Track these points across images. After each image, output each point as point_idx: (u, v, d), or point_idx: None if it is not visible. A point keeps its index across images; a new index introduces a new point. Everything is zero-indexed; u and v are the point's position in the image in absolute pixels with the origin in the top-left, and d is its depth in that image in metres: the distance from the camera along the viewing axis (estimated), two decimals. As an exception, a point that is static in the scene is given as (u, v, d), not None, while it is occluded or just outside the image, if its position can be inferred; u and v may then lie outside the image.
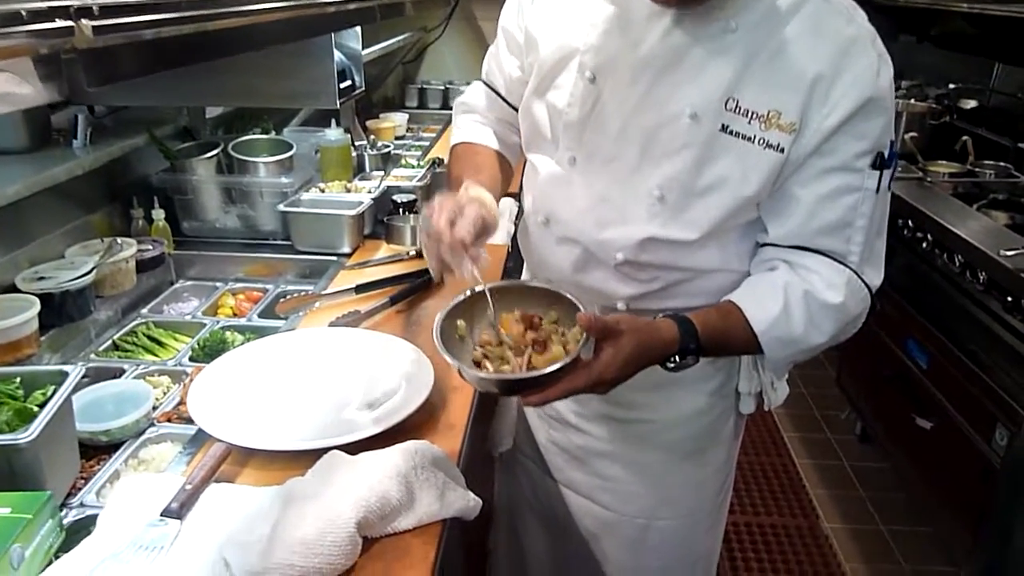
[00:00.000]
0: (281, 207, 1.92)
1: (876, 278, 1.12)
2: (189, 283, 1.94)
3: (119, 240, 1.66)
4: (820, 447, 3.14)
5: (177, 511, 0.94)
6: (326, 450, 1.05)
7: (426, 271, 1.70)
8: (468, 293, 1.07)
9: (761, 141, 1.04)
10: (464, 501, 1.00)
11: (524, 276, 1.48)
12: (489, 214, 1.07)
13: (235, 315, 1.82)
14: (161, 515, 0.94)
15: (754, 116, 1.03)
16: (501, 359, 1.01)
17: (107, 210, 1.91)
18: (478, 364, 1.01)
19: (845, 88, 1.01)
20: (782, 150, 1.03)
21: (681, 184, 1.08)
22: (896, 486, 2.85)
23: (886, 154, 1.05)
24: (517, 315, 1.06)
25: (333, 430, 1.12)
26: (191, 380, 1.36)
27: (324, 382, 1.27)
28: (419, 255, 1.88)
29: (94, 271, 1.58)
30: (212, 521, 0.94)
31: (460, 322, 1.06)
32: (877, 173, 1.05)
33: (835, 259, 1.08)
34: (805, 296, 1.07)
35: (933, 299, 2.40)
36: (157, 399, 1.40)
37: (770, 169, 1.04)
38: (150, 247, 1.84)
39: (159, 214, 1.92)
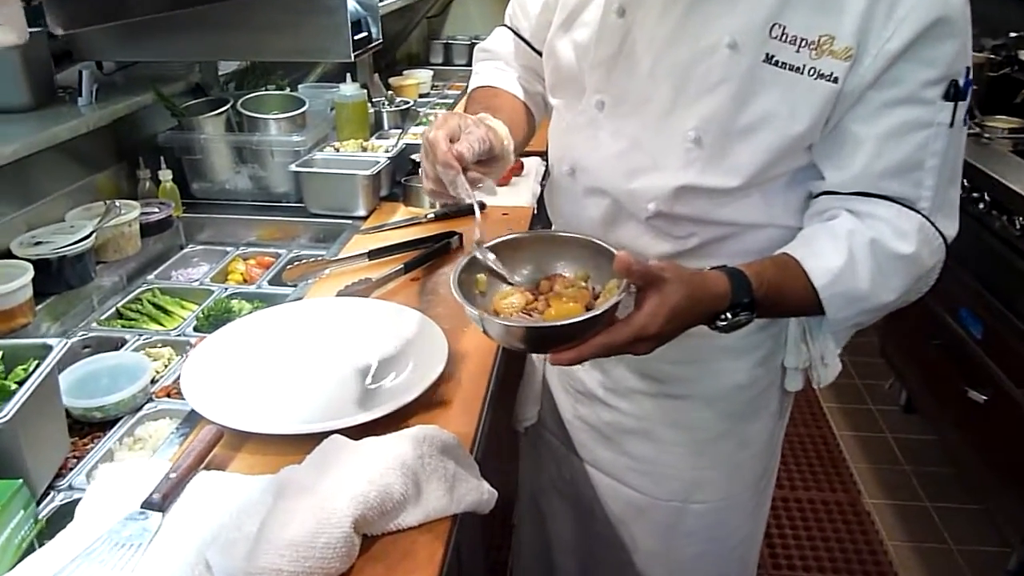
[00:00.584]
0: (292, 167, 1.82)
1: (951, 228, 0.99)
2: (199, 247, 1.86)
3: (118, 203, 1.56)
4: (862, 418, 3.00)
5: (159, 503, 0.85)
6: (327, 434, 0.96)
7: (444, 236, 1.60)
8: (493, 243, 0.97)
9: (811, 71, 0.91)
10: (477, 494, 0.90)
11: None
12: (497, 140, 0.98)
13: (245, 281, 1.73)
14: (142, 507, 0.85)
15: (803, 43, 0.90)
16: (527, 314, 0.92)
17: (113, 171, 1.83)
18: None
19: (909, 7, 0.87)
20: (836, 80, 0.90)
21: (720, 124, 0.96)
22: (943, 460, 2.72)
23: (961, 82, 0.91)
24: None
25: (335, 412, 1.02)
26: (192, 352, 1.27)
27: (328, 358, 1.17)
28: (438, 218, 1.77)
29: (94, 235, 1.49)
30: (197, 515, 0.85)
31: (481, 276, 0.96)
32: (951, 105, 0.92)
33: (904, 205, 0.95)
34: (872, 245, 0.94)
35: (989, 264, 2.23)
36: (157, 372, 1.32)
37: (823, 103, 0.92)
38: (156, 210, 1.75)
39: (166, 175, 1.83)
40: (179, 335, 1.46)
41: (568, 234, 0.99)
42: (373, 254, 1.53)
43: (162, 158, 1.83)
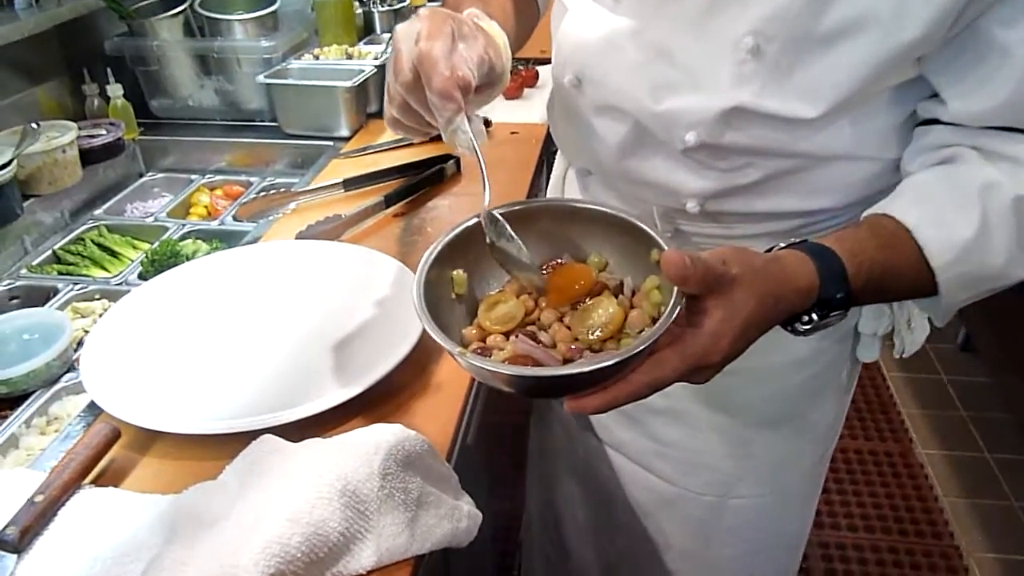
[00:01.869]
0: (261, 78, 1.54)
1: None
2: (160, 175, 1.61)
3: (36, 125, 1.30)
4: (914, 359, 2.68)
5: (15, 541, 0.63)
6: (257, 433, 0.72)
7: (437, 160, 1.33)
8: (471, 221, 0.68)
9: None
10: (451, 523, 0.66)
11: (557, 170, 1.09)
12: (496, 53, 0.69)
13: (209, 215, 1.49)
14: (-7, 545, 0.63)
15: None
16: (529, 336, 0.64)
17: (54, 86, 1.56)
18: (484, 349, 0.63)
19: None
20: None
21: (789, 28, 0.66)
22: (1004, 406, 2.45)
23: None
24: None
25: (275, 399, 0.78)
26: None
27: (274, 323, 0.92)
28: (435, 138, 1.49)
29: (14, 164, 1.24)
30: (63, 557, 0.62)
31: (457, 272, 0.68)
32: None
33: None
34: (1016, 206, 0.66)
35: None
36: (86, 331, 1.09)
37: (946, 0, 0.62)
38: (104, 132, 1.49)
39: (116, 90, 1.56)
40: (121, 284, 1.23)
41: (587, 205, 0.71)
42: (349, 183, 1.26)
43: (109, 70, 1.56)
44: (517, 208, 0.68)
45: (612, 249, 0.69)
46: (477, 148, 0.64)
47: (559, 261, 0.70)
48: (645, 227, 0.65)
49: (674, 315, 0.56)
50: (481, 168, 0.65)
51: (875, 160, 0.76)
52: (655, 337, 0.55)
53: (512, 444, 1.44)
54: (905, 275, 0.67)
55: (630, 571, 1.16)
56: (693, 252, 0.56)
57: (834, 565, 1.96)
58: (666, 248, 0.61)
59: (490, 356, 0.61)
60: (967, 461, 2.30)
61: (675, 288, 0.57)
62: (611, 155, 0.83)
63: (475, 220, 0.67)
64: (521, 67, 1.81)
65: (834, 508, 2.13)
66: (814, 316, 0.63)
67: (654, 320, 0.62)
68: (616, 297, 0.65)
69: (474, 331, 0.65)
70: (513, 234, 0.66)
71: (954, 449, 2.34)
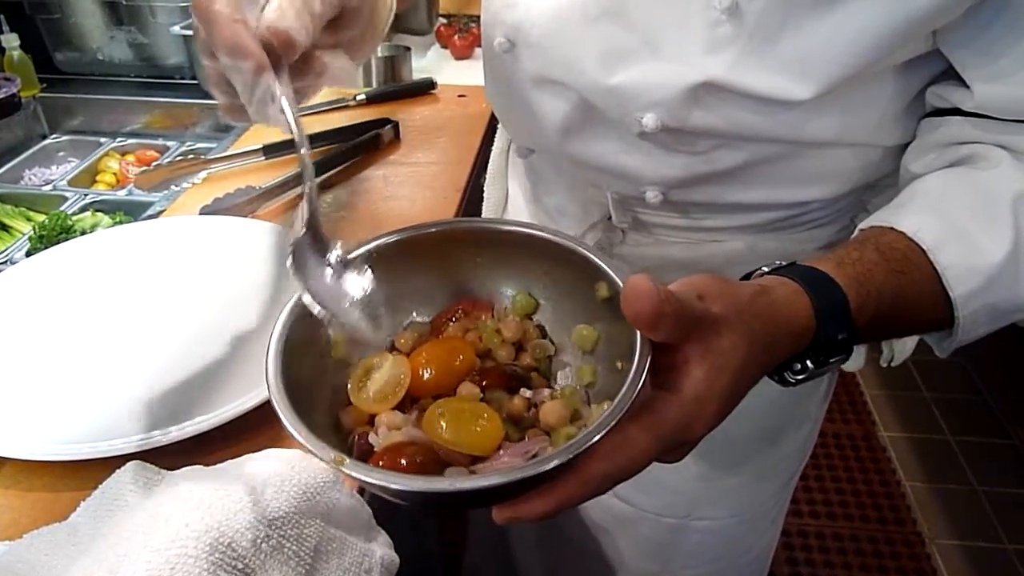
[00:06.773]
0: (178, 29, 1.37)
1: None
2: (66, 138, 1.44)
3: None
4: (877, 337, 2.67)
5: None
6: (126, 458, 0.59)
7: (373, 124, 1.19)
8: (368, 247, 0.53)
9: None
10: (359, 574, 0.54)
11: (499, 143, 0.95)
12: None
13: (119, 184, 1.33)
14: None
15: None
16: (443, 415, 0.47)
17: (-61, 34, 1.38)
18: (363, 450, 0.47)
19: None
20: None
21: None
22: (969, 387, 2.40)
23: None
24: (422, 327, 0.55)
25: (146, 417, 0.64)
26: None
27: (157, 320, 0.76)
28: (372, 100, 1.35)
29: None
30: None
31: (333, 333, 0.51)
32: None
33: None
34: None
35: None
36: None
37: None
38: (-5, 87, 1.32)
39: (11, 40, 1.38)
40: (5, 262, 1.08)
41: (499, 226, 0.55)
42: (270, 150, 1.11)
43: (3, 18, 1.38)
44: (389, 241, 0.53)
45: (532, 277, 0.54)
46: (294, 126, 0.45)
47: (459, 310, 0.54)
48: (587, 252, 0.50)
49: (642, 378, 0.41)
50: (305, 164, 0.46)
51: (873, 147, 0.64)
52: (617, 419, 0.40)
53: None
54: (920, 308, 0.53)
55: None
56: (665, 289, 0.41)
57: (795, 554, 1.90)
58: (618, 280, 0.47)
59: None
60: (930, 444, 2.25)
61: (638, 335, 0.43)
62: (552, 135, 0.68)
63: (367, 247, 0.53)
64: (473, 24, 1.66)
65: (796, 495, 2.03)
66: (809, 364, 0.50)
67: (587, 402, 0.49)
68: (512, 393, 0.49)
69: (354, 413, 0.50)
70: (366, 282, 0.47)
71: (916, 431, 2.29)
